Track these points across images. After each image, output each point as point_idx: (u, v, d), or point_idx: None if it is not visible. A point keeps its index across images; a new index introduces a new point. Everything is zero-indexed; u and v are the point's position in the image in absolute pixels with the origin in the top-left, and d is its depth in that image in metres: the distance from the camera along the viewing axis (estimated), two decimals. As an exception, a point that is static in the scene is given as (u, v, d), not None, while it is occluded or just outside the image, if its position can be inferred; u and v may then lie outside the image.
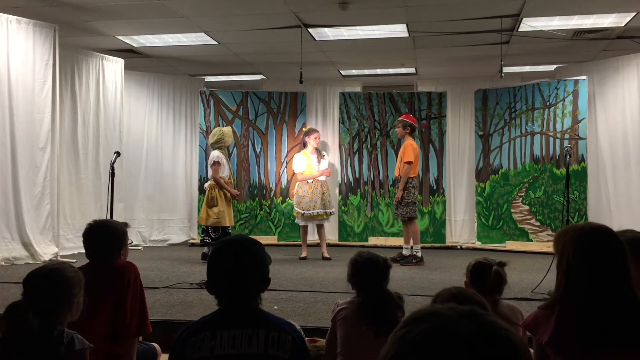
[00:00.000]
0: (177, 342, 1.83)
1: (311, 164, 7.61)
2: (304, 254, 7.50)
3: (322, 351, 2.90)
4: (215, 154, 7.17)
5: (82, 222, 7.69)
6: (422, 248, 7.15)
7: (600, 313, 1.76)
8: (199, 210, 8.29)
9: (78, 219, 7.76)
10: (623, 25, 7.23)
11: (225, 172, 7.15)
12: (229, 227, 7.22)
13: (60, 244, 7.25)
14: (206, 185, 7.36)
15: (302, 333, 1.96)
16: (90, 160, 8.10)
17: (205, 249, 7.14)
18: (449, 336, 0.68)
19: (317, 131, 7.88)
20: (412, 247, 7.03)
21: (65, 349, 2.02)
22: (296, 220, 7.86)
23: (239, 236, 2.03)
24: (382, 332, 2.56)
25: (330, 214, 7.64)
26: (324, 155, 7.79)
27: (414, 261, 6.93)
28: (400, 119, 7.36)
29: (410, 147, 7.01)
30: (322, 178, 7.63)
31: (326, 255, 7.44)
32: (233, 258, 1.90)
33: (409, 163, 6.93)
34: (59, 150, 7.21)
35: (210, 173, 7.20)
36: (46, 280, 2.12)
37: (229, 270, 1.88)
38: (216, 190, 7.05)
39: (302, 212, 7.49)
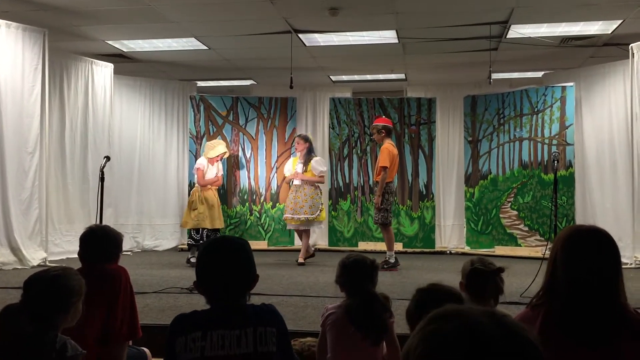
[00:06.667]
0: (170, 336, 1.86)
1: (294, 169, 7.63)
2: (299, 259, 7.35)
3: (308, 348, 2.91)
4: (198, 161, 7.64)
5: (70, 228, 7.71)
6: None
7: (582, 312, 1.78)
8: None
9: (65, 224, 7.73)
10: (610, 32, 7.32)
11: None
12: (217, 230, 7.30)
13: (48, 248, 7.21)
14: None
15: (282, 316, 2.01)
16: (77, 165, 8.03)
17: (190, 254, 7.22)
18: (478, 334, 0.76)
19: (297, 136, 7.86)
20: (388, 253, 6.93)
21: (57, 355, 2.01)
22: None
23: (225, 236, 2.09)
24: (369, 334, 2.59)
25: (299, 219, 7.31)
26: (310, 159, 7.45)
27: (385, 267, 6.63)
28: (373, 124, 7.28)
29: (386, 151, 6.86)
30: (297, 182, 7.45)
31: (300, 260, 7.33)
32: (220, 256, 1.94)
33: (385, 168, 6.81)
34: (47, 155, 7.18)
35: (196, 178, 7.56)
36: (47, 286, 2.10)
37: (217, 268, 1.93)
38: (196, 194, 7.28)
39: (284, 215, 7.75)
